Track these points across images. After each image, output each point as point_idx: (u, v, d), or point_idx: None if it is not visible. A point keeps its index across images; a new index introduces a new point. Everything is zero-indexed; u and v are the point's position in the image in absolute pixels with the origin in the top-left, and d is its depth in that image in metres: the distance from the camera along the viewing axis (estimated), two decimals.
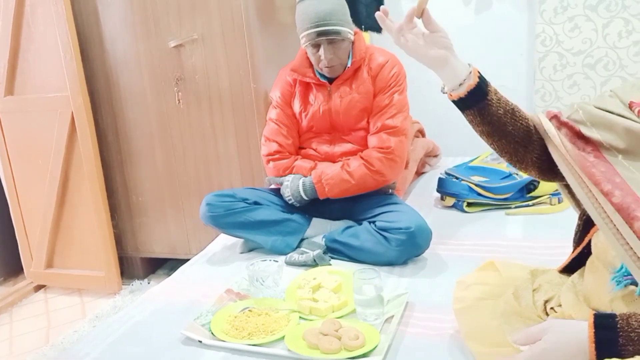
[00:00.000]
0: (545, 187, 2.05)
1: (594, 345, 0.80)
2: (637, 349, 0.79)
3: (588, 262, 1.02)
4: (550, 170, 1.05)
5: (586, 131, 0.94)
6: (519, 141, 1.04)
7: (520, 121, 1.03)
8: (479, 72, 1.02)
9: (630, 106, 0.91)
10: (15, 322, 2.45)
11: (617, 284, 0.91)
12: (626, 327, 0.80)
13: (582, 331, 0.82)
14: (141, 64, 2.41)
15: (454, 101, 1.04)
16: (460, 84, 1.01)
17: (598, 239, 1.00)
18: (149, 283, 2.67)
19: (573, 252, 1.12)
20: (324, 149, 1.99)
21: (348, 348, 1.20)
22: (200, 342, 1.32)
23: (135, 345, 1.35)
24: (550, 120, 1.02)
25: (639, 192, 0.85)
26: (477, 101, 1.01)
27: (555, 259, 1.40)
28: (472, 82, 1.01)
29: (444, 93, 1.06)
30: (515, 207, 2.05)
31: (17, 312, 2.54)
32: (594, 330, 0.81)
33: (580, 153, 0.93)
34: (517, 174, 2.12)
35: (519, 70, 2.88)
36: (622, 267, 0.93)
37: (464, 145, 2.85)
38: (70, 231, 2.65)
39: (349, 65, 1.90)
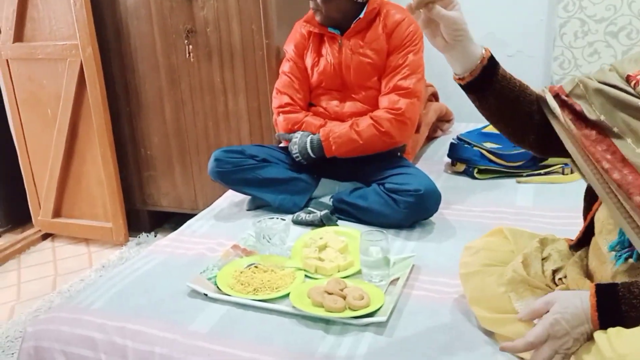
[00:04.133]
0: None
1: (596, 313, 0.81)
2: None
3: (592, 241, 1.02)
4: (548, 148, 1.05)
5: (586, 111, 0.94)
6: (517, 126, 1.03)
7: (522, 108, 1.01)
8: (487, 61, 0.96)
9: (628, 79, 0.91)
10: (23, 269, 2.49)
11: (618, 259, 0.91)
12: (628, 295, 0.81)
13: (586, 300, 0.83)
14: (152, 15, 2.36)
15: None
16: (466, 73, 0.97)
17: (599, 215, 1.01)
18: (155, 236, 2.69)
19: (580, 231, 1.11)
20: (334, 108, 1.95)
21: (352, 307, 1.20)
22: (205, 295, 1.32)
23: (141, 295, 1.36)
24: (553, 98, 1.00)
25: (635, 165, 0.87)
26: (477, 90, 0.99)
27: (565, 229, 1.39)
28: (476, 70, 0.96)
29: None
30: (527, 176, 2.02)
31: (25, 260, 2.58)
32: (595, 299, 0.82)
33: (582, 132, 0.94)
34: None
35: (539, 36, 2.80)
36: (619, 238, 0.93)
37: (478, 111, 2.80)
38: (78, 181, 2.65)
39: (360, 16, 1.85)
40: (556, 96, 0.99)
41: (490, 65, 0.96)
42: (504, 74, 0.99)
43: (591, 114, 0.93)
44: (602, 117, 0.92)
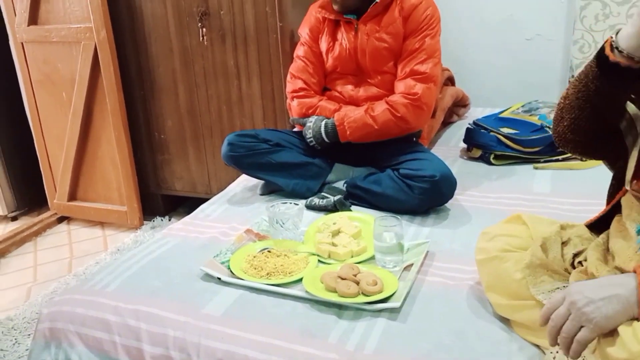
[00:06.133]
0: None
1: None
2: None
3: (614, 222, 0.99)
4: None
5: None
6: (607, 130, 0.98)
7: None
8: None
9: None
10: (40, 252, 2.51)
11: None
12: None
13: (632, 281, 0.79)
14: None
15: (609, 65, 0.89)
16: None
17: (629, 197, 0.98)
18: (169, 220, 2.70)
19: (604, 209, 1.09)
20: (349, 92, 1.93)
21: (366, 293, 1.20)
22: (219, 279, 1.33)
23: (154, 278, 1.37)
24: None
25: None
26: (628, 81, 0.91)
27: (582, 216, 1.36)
28: None
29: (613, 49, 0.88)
30: (544, 162, 1.99)
31: (41, 242, 2.61)
32: None
33: None
34: (548, 127, 2.05)
35: (558, 19, 2.74)
36: None
37: (495, 96, 2.76)
38: (93, 165, 2.67)
39: (377, 0, 1.81)
40: None
41: None
42: None
43: None
44: None
